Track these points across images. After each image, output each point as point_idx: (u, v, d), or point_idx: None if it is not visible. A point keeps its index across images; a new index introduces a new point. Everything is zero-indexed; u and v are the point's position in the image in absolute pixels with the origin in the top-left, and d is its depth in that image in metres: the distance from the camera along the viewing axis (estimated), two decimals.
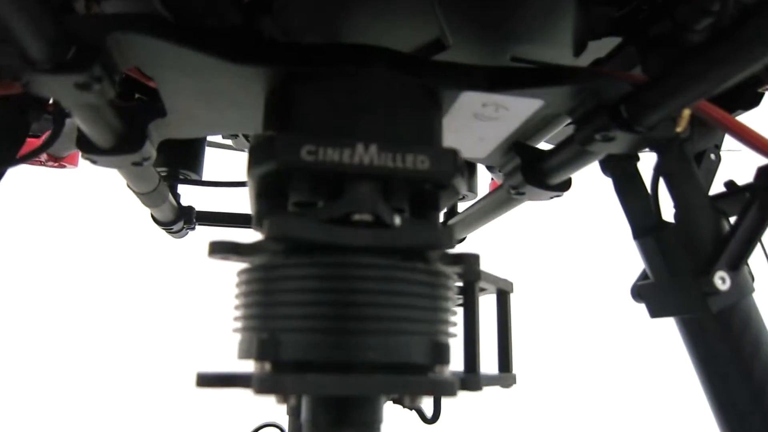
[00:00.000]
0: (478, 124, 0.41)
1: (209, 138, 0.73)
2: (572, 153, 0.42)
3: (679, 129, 0.36)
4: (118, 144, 0.41)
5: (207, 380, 0.32)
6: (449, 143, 0.46)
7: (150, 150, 0.43)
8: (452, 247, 0.32)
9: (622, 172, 0.46)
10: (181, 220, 0.66)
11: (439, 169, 0.32)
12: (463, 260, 0.36)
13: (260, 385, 0.27)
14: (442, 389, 0.29)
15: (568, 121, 0.46)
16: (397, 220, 0.33)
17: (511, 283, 0.51)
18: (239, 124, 0.42)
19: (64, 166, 0.96)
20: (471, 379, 0.39)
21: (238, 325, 0.33)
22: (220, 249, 0.34)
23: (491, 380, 0.44)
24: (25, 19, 0.27)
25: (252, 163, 0.32)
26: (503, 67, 0.37)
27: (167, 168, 0.65)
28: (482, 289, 0.48)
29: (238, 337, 0.34)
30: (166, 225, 0.65)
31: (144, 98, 0.45)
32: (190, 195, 0.70)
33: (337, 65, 0.34)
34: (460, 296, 0.43)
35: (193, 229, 0.69)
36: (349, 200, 0.31)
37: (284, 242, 0.31)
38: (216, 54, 0.33)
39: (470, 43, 0.42)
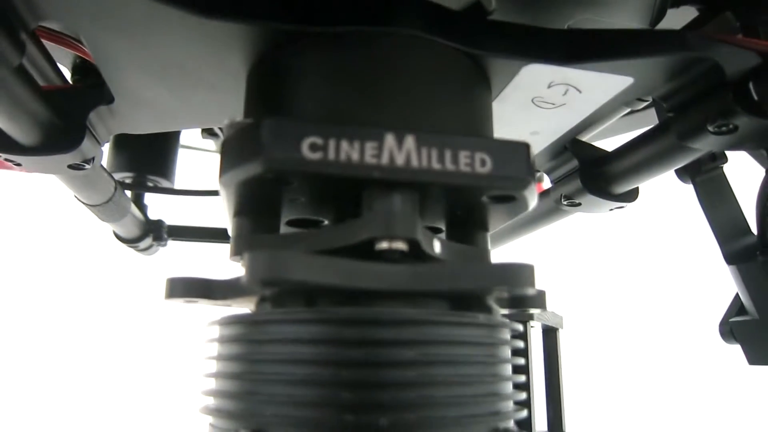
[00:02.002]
0: (536, 112, 0.31)
1: (183, 140, 0.61)
2: (654, 153, 0.32)
3: None
4: (48, 140, 0.30)
5: None
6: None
7: (92, 148, 0.32)
8: (531, 287, 0.21)
9: (708, 178, 0.36)
10: (148, 235, 0.55)
11: (507, 172, 0.21)
12: (528, 303, 0.26)
13: None
14: None
15: (623, 113, 0.36)
16: (438, 248, 0.23)
17: (561, 317, 0.41)
18: (212, 115, 0.31)
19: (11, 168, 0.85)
20: None
21: (212, 402, 0.22)
22: (182, 290, 0.23)
23: None
24: None
25: (226, 166, 0.21)
26: (582, 30, 0.26)
27: (132, 174, 0.53)
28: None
29: (209, 419, 0.23)
30: (130, 242, 0.54)
31: (89, 79, 0.34)
32: (161, 205, 0.59)
33: (351, 23, 0.23)
34: None
35: (164, 245, 0.58)
36: (375, 219, 0.21)
37: (275, 285, 0.21)
38: (171, 2, 0.22)
39: (517, 8, 0.32)
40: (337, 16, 0.23)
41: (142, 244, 0.55)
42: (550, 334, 0.40)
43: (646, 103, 0.31)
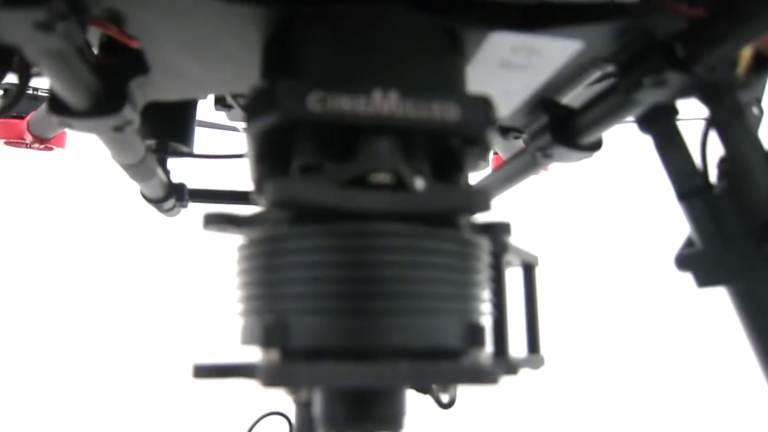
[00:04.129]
0: (505, 74, 0.36)
1: (199, 118, 0.67)
2: (609, 107, 0.37)
3: (740, 71, 0.32)
4: (96, 105, 0.35)
5: (205, 371, 0.27)
6: None
7: (132, 113, 0.37)
8: (488, 210, 0.27)
9: (662, 129, 0.42)
10: (172, 197, 0.61)
11: (472, 119, 0.27)
12: (492, 229, 0.31)
13: (268, 377, 0.23)
14: (481, 377, 0.24)
15: (592, 78, 0.41)
16: (419, 183, 0.29)
17: (536, 257, 0.47)
18: (233, 81, 0.37)
19: (51, 149, 0.91)
20: (502, 363, 0.34)
21: (240, 307, 0.29)
22: (215, 220, 0.29)
23: (522, 363, 0.40)
24: None
25: (250, 118, 0.27)
26: (537, 3, 0.32)
27: (155, 140, 0.59)
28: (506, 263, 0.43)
29: (240, 320, 0.29)
30: (155, 202, 0.60)
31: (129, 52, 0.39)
32: (183, 169, 0.65)
33: (346, 2, 0.29)
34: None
35: (185, 206, 0.64)
36: (366, 158, 0.26)
37: (290, 209, 0.27)
38: None
39: None
40: None
41: (166, 205, 0.61)
42: (527, 271, 0.46)
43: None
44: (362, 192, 0.26)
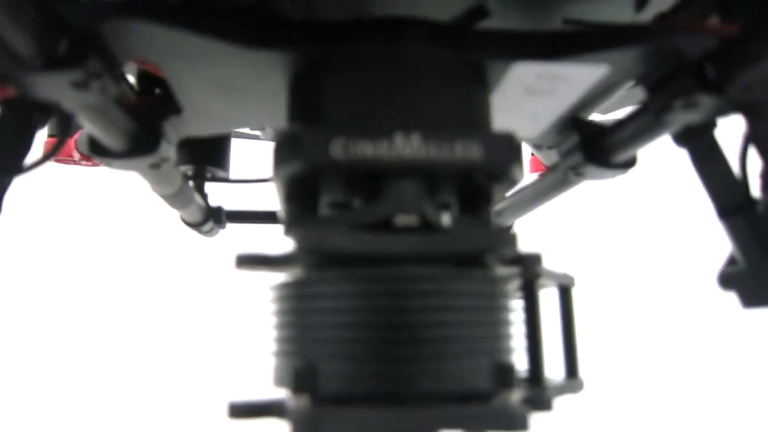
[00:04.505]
0: (531, 99, 0.36)
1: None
2: (641, 125, 0.37)
3: None
4: (132, 146, 0.37)
5: (240, 410, 0.28)
6: (497, 123, 0.41)
7: (167, 150, 0.39)
8: (510, 249, 0.27)
9: (699, 142, 0.40)
10: (210, 219, 0.63)
11: (495, 158, 0.27)
12: (523, 262, 0.31)
13: (300, 424, 0.23)
14: (510, 422, 0.24)
15: (621, 88, 0.40)
16: (445, 219, 0.29)
17: (572, 278, 0.46)
18: (261, 118, 0.38)
19: (98, 164, 0.94)
20: (540, 395, 0.34)
21: (273, 347, 0.29)
22: (248, 262, 0.30)
23: (560, 389, 0.39)
24: (7, 9, 0.23)
25: (278, 164, 0.27)
26: (559, 31, 0.31)
27: (193, 166, 0.61)
28: (540, 287, 0.43)
29: (273, 360, 0.30)
30: (195, 226, 0.62)
31: (162, 94, 0.41)
32: (221, 192, 0.67)
33: (365, 43, 0.29)
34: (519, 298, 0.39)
35: (224, 227, 0.66)
36: (391, 201, 0.27)
37: (319, 254, 0.27)
38: (227, 39, 0.28)
39: (515, 7, 0.37)
40: (353, 38, 0.29)
41: (205, 228, 0.63)
42: (563, 292, 0.45)
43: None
44: (387, 235, 0.26)
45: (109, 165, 0.39)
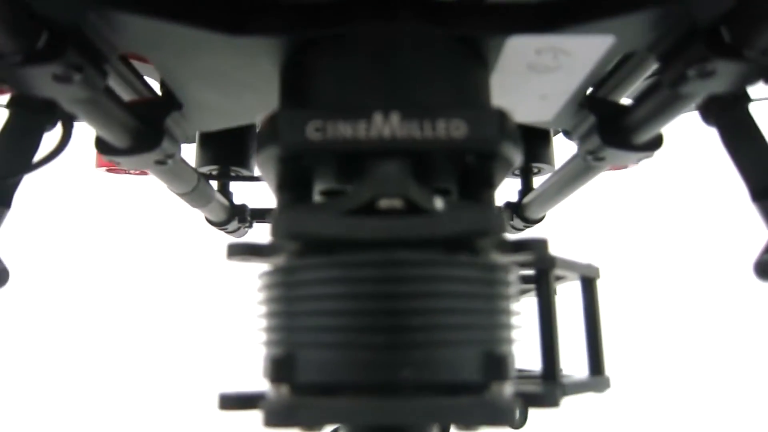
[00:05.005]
0: (537, 78, 0.34)
1: None
2: (661, 101, 0.34)
3: None
4: (135, 142, 0.37)
5: (229, 402, 0.27)
6: (506, 106, 0.39)
7: (171, 147, 0.39)
8: (501, 233, 0.25)
9: (730, 119, 0.37)
10: (234, 218, 0.63)
11: (481, 135, 0.25)
12: (526, 247, 0.29)
13: (272, 414, 0.23)
14: (496, 415, 0.23)
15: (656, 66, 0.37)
16: (439, 204, 0.27)
17: (597, 268, 0.43)
18: (261, 111, 0.38)
19: (146, 173, 0.97)
20: (549, 391, 0.32)
21: (261, 337, 0.29)
22: (237, 251, 0.29)
23: (580, 386, 0.37)
24: None
25: (257, 152, 0.27)
26: (553, 1, 0.29)
27: (217, 165, 0.62)
28: (559, 278, 0.40)
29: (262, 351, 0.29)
30: (219, 225, 0.63)
31: (162, 90, 0.41)
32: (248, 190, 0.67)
33: (349, 23, 0.28)
34: (529, 287, 0.37)
35: (250, 227, 0.66)
36: (371, 184, 0.25)
37: (300, 241, 0.26)
38: (208, 27, 0.28)
39: None
40: (337, 18, 0.28)
41: (230, 227, 0.64)
42: (587, 285, 0.43)
43: None
44: (368, 220, 0.25)
45: (117, 163, 0.40)
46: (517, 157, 0.27)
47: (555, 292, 0.38)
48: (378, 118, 0.25)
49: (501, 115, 0.26)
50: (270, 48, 0.30)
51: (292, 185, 0.30)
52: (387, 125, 0.25)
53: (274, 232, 0.25)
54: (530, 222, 0.63)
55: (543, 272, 0.37)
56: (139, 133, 0.37)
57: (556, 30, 0.28)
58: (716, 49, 0.27)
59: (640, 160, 0.41)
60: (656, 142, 0.39)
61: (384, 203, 0.25)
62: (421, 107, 0.25)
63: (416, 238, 0.25)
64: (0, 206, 0.35)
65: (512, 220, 0.64)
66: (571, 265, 0.41)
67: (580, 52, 0.31)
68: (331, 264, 0.25)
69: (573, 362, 0.41)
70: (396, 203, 0.25)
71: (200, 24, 0.28)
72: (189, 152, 0.62)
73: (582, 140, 0.41)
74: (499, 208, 0.30)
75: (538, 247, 0.29)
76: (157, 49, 0.30)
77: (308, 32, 0.29)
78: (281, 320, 0.26)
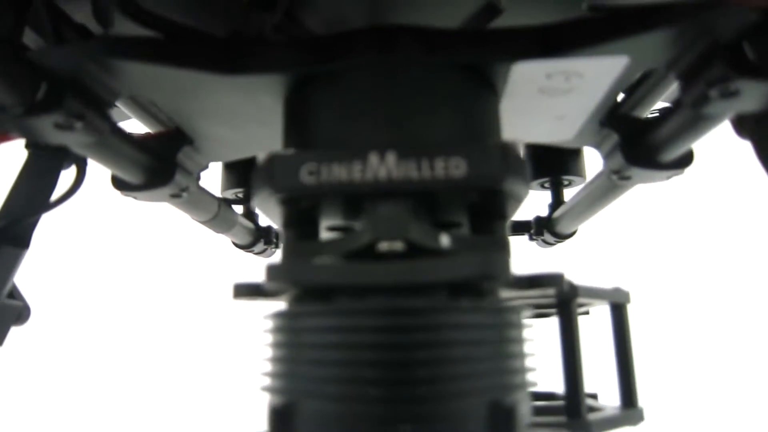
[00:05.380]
0: (551, 100, 0.32)
1: None
2: (685, 119, 0.32)
3: None
4: (149, 178, 0.37)
5: None
6: (521, 128, 0.37)
7: (185, 180, 0.39)
8: (505, 275, 0.24)
9: (764, 134, 0.34)
10: (260, 240, 0.63)
11: (481, 173, 0.24)
12: (542, 283, 0.28)
13: None
14: None
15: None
16: (445, 242, 0.26)
17: (627, 293, 0.41)
18: (269, 143, 0.37)
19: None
20: (575, 429, 0.30)
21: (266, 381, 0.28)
22: (243, 292, 0.29)
23: (608, 422, 0.35)
24: None
25: (253, 191, 0.26)
26: (560, 22, 0.27)
27: (242, 189, 0.62)
28: (581, 305, 0.39)
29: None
30: (245, 248, 0.63)
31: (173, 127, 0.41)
32: None
33: (346, 57, 0.27)
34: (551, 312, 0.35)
35: (277, 247, 0.66)
36: (369, 226, 0.24)
37: (294, 286, 0.26)
38: (202, 67, 0.28)
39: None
40: (340, 52, 0.28)
41: (256, 249, 0.64)
42: (616, 311, 0.41)
43: None
44: (366, 264, 0.24)
45: (135, 198, 0.40)
46: (525, 190, 0.26)
47: (577, 321, 0.36)
48: (374, 158, 0.24)
49: (504, 149, 0.24)
50: (270, 84, 0.29)
51: (296, 224, 0.29)
52: (383, 166, 0.24)
53: (266, 278, 0.24)
54: (561, 237, 0.61)
55: (565, 303, 0.35)
56: (153, 168, 0.37)
57: (565, 54, 0.27)
58: (739, 67, 0.25)
59: (669, 177, 0.38)
60: (686, 160, 0.37)
61: (384, 246, 0.25)
62: (420, 145, 0.24)
63: (414, 284, 0.24)
64: (19, 247, 0.36)
65: (542, 234, 0.62)
66: (596, 293, 0.39)
67: (594, 74, 0.29)
68: (327, 312, 0.24)
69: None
70: (396, 246, 0.24)
71: (197, 66, 0.28)
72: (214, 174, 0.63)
73: (607, 159, 0.39)
74: (507, 242, 0.28)
75: (554, 282, 0.28)
76: (158, 91, 0.30)
77: (305, 69, 0.28)
78: (279, 367, 0.25)
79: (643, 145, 0.36)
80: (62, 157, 0.37)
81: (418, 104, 0.27)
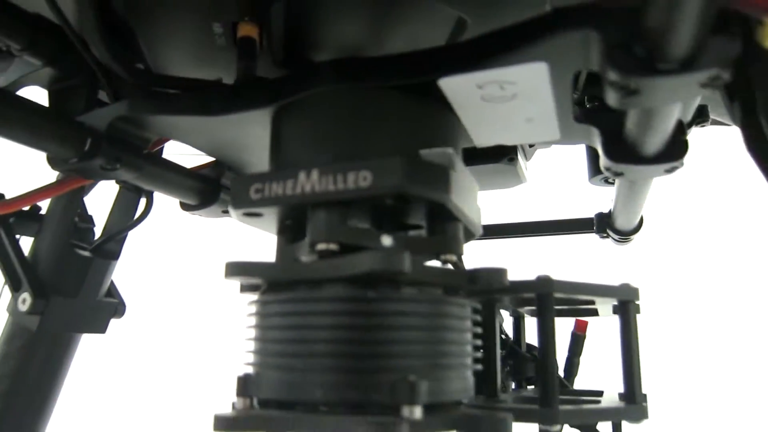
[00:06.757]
0: (503, 106, 0.34)
1: None
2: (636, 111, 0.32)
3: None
4: (200, 199, 0.47)
5: (224, 423, 0.33)
6: (504, 133, 0.39)
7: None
8: (399, 270, 0.27)
9: (753, 124, 0.32)
10: None
11: (384, 183, 0.28)
12: (477, 279, 0.30)
13: (218, 421, 0.28)
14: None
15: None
16: (387, 241, 0.30)
17: (635, 289, 0.40)
18: None
19: None
20: (546, 414, 0.32)
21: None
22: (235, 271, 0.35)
23: (613, 413, 0.36)
24: (46, 131, 0.34)
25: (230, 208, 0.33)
26: (489, 32, 0.30)
27: None
28: (590, 302, 0.39)
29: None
30: None
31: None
32: None
33: (295, 93, 0.33)
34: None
35: None
36: (310, 231, 0.30)
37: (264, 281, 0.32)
38: (194, 112, 0.35)
39: (497, 6, 0.35)
40: (291, 89, 0.33)
41: None
42: (623, 307, 0.40)
43: None
44: (300, 263, 0.29)
45: (199, 215, 0.50)
46: (442, 195, 0.29)
47: (553, 316, 0.36)
48: (302, 176, 0.29)
49: (408, 161, 0.28)
50: (256, 118, 0.36)
51: (292, 229, 0.35)
52: (309, 182, 0.29)
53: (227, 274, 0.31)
54: (623, 234, 0.59)
55: (543, 297, 0.36)
56: (203, 191, 0.46)
57: (480, 66, 0.29)
58: (628, 66, 0.25)
59: (667, 171, 0.37)
60: (676, 150, 0.35)
61: (321, 246, 0.30)
62: (337, 163, 0.29)
63: (325, 278, 0.28)
64: (112, 259, 0.47)
65: (604, 232, 0.60)
66: (581, 288, 0.38)
67: (524, 80, 0.31)
68: (273, 301, 0.30)
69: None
70: (332, 246, 0.29)
71: (192, 111, 0.35)
72: None
73: (593, 154, 0.39)
74: (429, 241, 0.30)
75: (488, 277, 0.30)
76: (179, 133, 0.39)
77: (270, 104, 0.34)
78: (247, 345, 0.31)
79: (622, 139, 0.36)
80: (139, 189, 0.47)
81: (339, 128, 0.32)
